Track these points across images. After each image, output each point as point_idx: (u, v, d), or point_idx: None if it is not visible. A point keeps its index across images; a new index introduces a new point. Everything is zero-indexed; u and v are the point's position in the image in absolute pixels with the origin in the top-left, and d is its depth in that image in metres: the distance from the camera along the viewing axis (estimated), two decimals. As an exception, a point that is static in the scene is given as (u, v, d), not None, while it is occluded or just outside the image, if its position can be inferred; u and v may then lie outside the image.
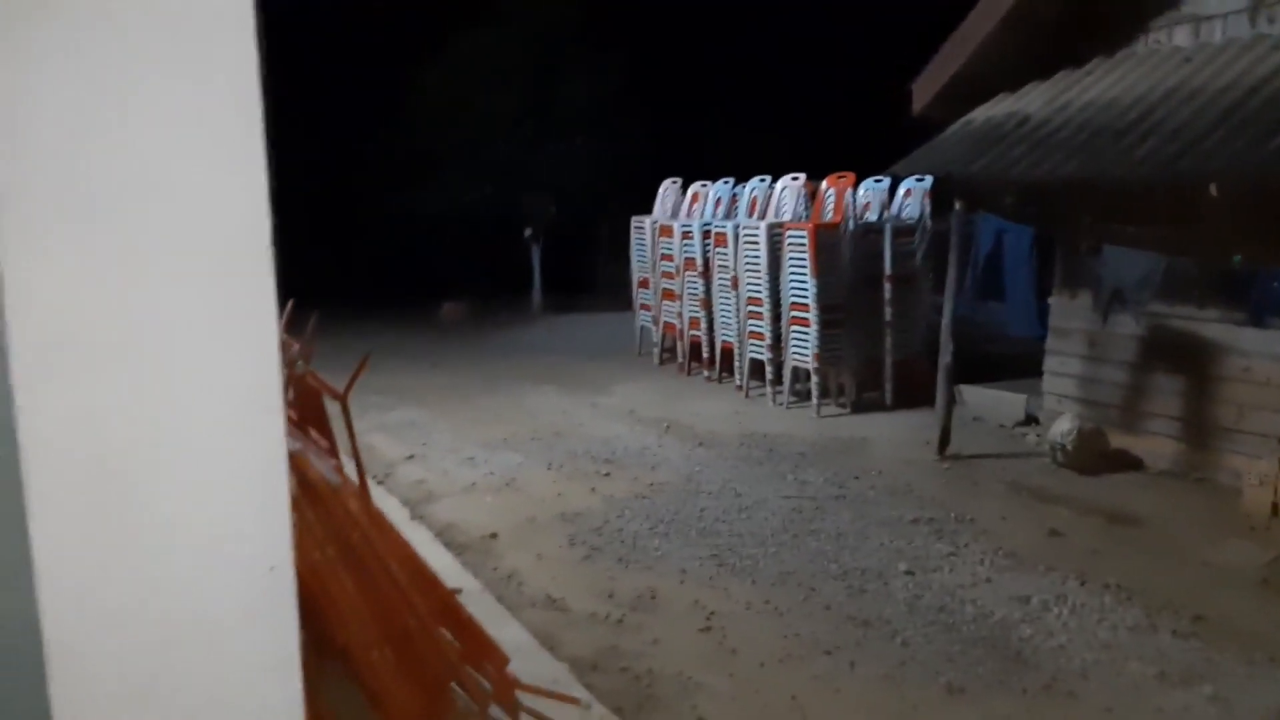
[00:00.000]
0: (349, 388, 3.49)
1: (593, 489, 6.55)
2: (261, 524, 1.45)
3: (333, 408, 3.77)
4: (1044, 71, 7.38)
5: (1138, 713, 3.77)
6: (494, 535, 5.67)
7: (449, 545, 5.43)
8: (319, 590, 2.51)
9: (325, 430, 3.75)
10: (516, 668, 3.50)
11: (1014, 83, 7.49)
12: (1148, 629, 4.44)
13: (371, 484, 3.77)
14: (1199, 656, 4.18)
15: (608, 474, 6.90)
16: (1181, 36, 6.77)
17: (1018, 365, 8.64)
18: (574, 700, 3.48)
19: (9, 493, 1.28)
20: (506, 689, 3.20)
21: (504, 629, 4.08)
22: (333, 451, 3.61)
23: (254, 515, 1.45)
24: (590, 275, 17.11)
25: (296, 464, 2.66)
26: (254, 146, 1.37)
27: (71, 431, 1.30)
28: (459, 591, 3.89)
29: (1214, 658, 4.16)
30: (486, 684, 3.13)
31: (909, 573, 5.09)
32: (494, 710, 3.16)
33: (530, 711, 3.24)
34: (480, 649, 3.22)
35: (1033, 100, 7.22)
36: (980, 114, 7.48)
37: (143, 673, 1.37)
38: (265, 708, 1.48)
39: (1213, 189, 5.62)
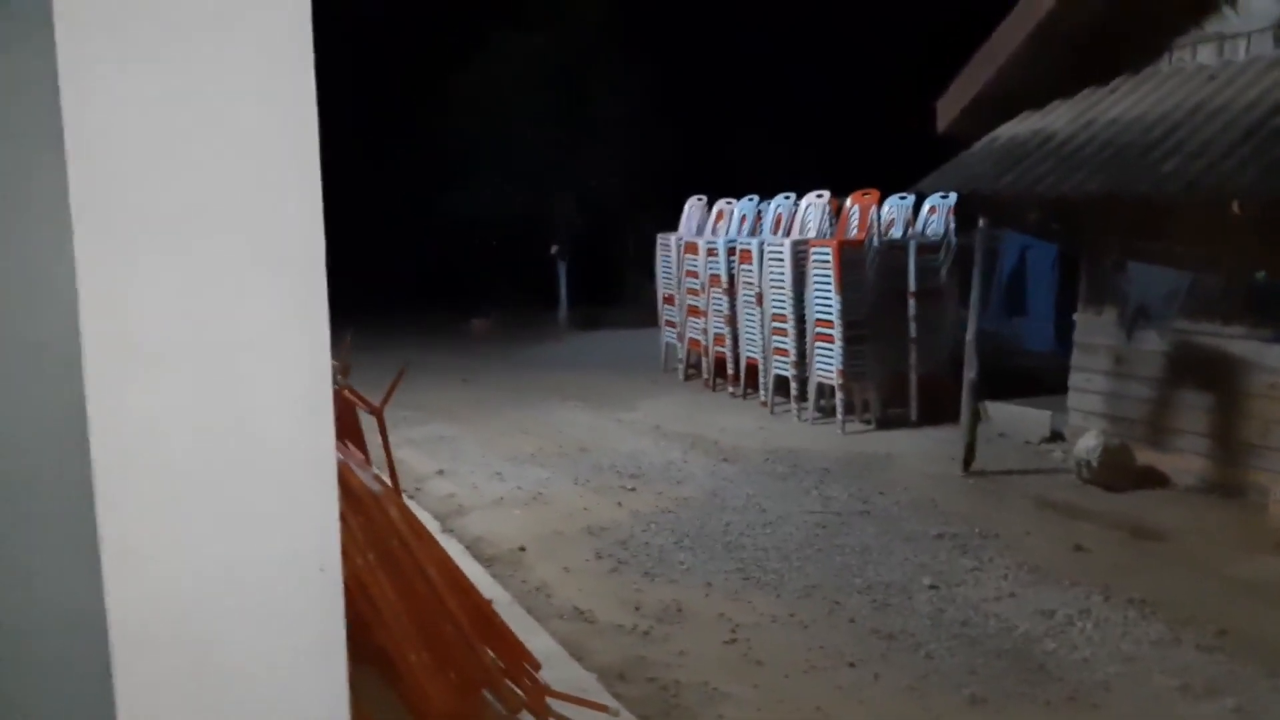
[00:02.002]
0: (385, 401, 3.59)
1: (619, 503, 6.62)
2: (312, 525, 1.53)
3: (365, 420, 3.87)
4: (1069, 89, 7.42)
5: (1161, 725, 3.80)
6: (522, 548, 5.74)
7: (479, 557, 5.51)
8: (360, 594, 2.59)
9: (359, 443, 3.84)
10: (546, 676, 3.57)
11: (1039, 100, 7.54)
12: (1171, 643, 4.46)
13: (403, 497, 3.86)
14: (1222, 670, 4.20)
15: (633, 489, 6.96)
16: (1206, 54, 6.80)
17: (1043, 381, 8.65)
18: (603, 708, 3.54)
19: (80, 490, 1.36)
20: (539, 695, 3.26)
21: (533, 639, 4.13)
22: (367, 463, 3.70)
23: (306, 516, 1.53)
24: (616, 290, 17.17)
25: (340, 472, 2.74)
26: (310, 166, 1.45)
27: (139, 434, 1.38)
28: (491, 601, 3.97)
29: (1237, 671, 4.18)
30: (519, 690, 3.20)
31: (933, 587, 5.13)
32: (524, 716, 3.23)
33: (560, 718, 3.30)
34: (513, 655, 3.29)
35: (1058, 118, 7.27)
36: (1005, 131, 7.53)
37: (198, 656, 1.45)
38: (314, 699, 1.55)
39: (1236, 206, 5.66)
